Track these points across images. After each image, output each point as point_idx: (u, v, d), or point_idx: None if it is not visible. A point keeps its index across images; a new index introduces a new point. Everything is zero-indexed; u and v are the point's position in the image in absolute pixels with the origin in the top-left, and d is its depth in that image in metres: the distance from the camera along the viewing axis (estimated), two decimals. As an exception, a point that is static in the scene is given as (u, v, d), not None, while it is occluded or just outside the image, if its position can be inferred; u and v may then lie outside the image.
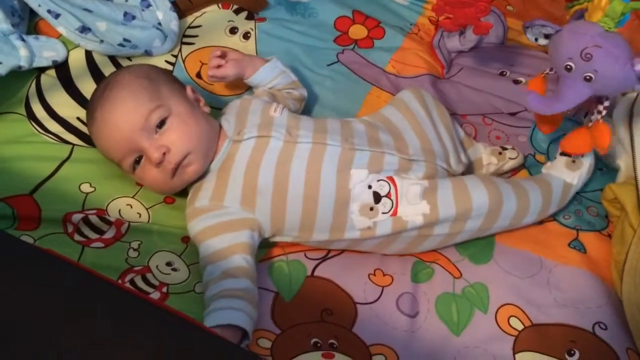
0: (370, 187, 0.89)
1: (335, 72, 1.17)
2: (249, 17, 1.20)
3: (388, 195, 0.90)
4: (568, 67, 0.87)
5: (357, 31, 1.23)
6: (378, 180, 0.90)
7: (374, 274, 0.94)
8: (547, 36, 0.93)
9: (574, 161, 0.99)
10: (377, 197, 0.89)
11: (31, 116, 1.02)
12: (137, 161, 0.91)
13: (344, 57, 1.19)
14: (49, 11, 1.08)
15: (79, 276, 0.70)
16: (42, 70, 1.06)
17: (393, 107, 1.03)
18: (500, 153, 1.05)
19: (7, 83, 1.01)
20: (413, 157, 0.94)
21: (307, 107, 1.10)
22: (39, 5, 1.08)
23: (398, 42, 1.22)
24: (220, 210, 0.89)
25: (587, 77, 0.86)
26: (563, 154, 1.00)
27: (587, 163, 0.99)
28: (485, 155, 1.05)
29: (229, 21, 1.19)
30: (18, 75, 1.03)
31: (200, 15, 1.20)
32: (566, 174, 0.98)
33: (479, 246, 0.96)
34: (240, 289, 0.83)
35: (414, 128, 0.98)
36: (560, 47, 0.87)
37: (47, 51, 1.07)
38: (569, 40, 0.86)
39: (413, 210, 0.89)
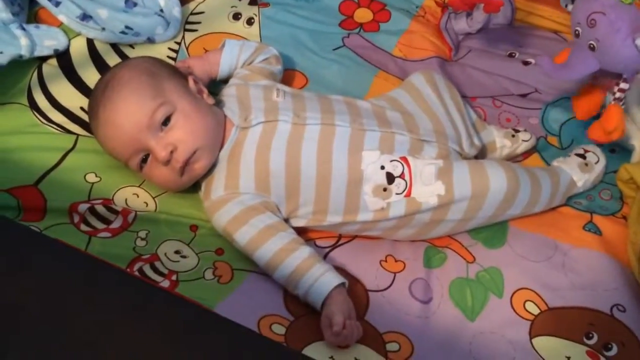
0: (383, 167, 0.88)
1: (342, 56, 1.15)
2: (252, 3, 1.19)
3: (402, 176, 0.88)
4: (576, 32, 0.86)
5: (363, 14, 1.21)
6: (391, 161, 0.89)
7: (386, 261, 0.93)
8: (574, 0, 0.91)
9: (586, 164, 0.98)
10: (391, 178, 0.88)
11: (34, 106, 1.00)
12: (144, 160, 0.90)
13: (350, 41, 1.17)
14: (49, -1, 1.06)
15: (87, 264, 0.69)
16: (44, 59, 1.04)
17: (403, 90, 1.01)
18: (513, 135, 1.03)
19: (8, 73, 1.00)
20: (424, 138, 0.92)
21: (314, 92, 1.08)
22: (39, -7, 1.06)
23: (404, 25, 1.20)
24: (238, 197, 0.88)
25: (591, 46, 0.85)
26: (578, 154, 0.99)
27: (597, 170, 0.98)
28: (498, 138, 1.04)
29: (231, 7, 1.18)
30: (19, 65, 1.01)
31: (203, 2, 1.18)
32: (575, 172, 0.97)
33: (492, 230, 0.94)
34: (307, 257, 0.84)
35: (425, 110, 0.97)
36: (574, 11, 0.87)
37: (48, 40, 1.05)
38: (582, 4, 0.85)
39: (427, 190, 0.88)
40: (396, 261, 0.93)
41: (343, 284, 0.84)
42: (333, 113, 0.92)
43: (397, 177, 0.88)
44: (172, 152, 0.87)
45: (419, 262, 0.92)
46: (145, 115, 0.87)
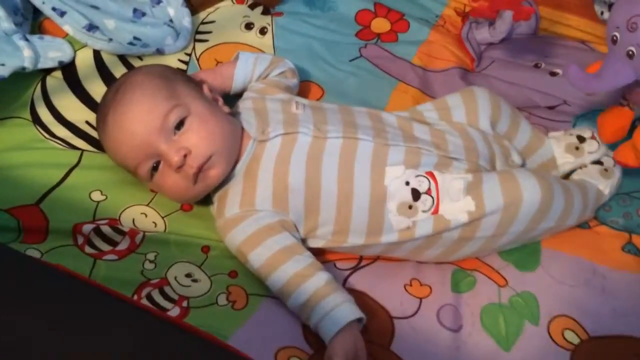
0: (408, 183, 0.83)
1: (359, 68, 1.11)
2: (265, 12, 1.15)
3: (428, 192, 0.83)
4: (614, 37, 0.79)
5: (380, 25, 1.18)
6: (416, 176, 0.83)
7: (411, 285, 0.87)
8: (611, 7, 0.85)
9: (606, 169, 0.93)
10: (416, 194, 0.82)
11: (37, 121, 0.96)
12: (155, 167, 0.84)
13: (367, 51, 1.13)
14: (53, 9, 1.02)
15: (91, 295, 0.63)
16: (48, 71, 1.00)
17: (460, 97, 0.95)
18: (577, 148, 0.95)
19: (11, 86, 0.95)
20: (453, 155, 0.86)
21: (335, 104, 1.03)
22: (43, 3, 1.02)
23: (424, 35, 1.16)
24: (254, 215, 0.83)
25: (630, 52, 0.78)
26: (595, 162, 0.94)
27: (617, 174, 0.93)
28: (559, 154, 0.96)
29: (244, 16, 1.14)
30: (22, 78, 0.97)
31: (214, 11, 1.15)
32: (600, 181, 0.92)
33: (524, 251, 0.88)
34: (324, 284, 0.79)
35: (454, 124, 0.91)
36: (612, 14, 0.81)
37: (52, 51, 1.00)
38: (622, 5, 0.79)
39: (456, 207, 0.82)
40: (422, 285, 0.87)
41: (360, 319, 0.78)
42: (355, 126, 0.87)
43: (423, 193, 0.83)
44: (185, 156, 0.82)
45: (447, 286, 0.87)
46: (158, 117, 0.82)
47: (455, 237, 0.84)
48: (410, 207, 0.83)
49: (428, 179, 0.83)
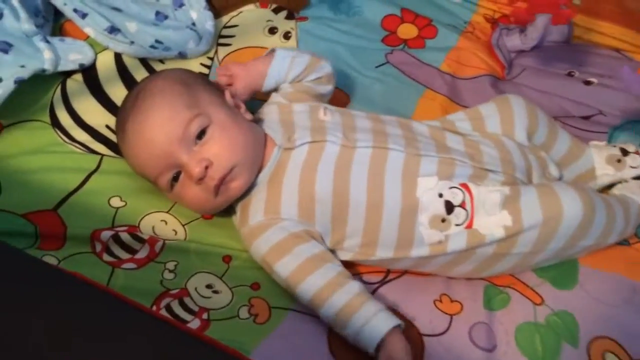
0: (441, 195, 0.79)
1: (385, 74, 1.08)
2: (289, 17, 1.13)
3: (462, 205, 0.79)
4: None
5: (407, 30, 1.15)
6: (450, 188, 0.79)
7: (440, 300, 0.83)
8: None
9: None
10: (450, 207, 0.79)
11: (56, 124, 0.93)
12: (175, 178, 0.81)
13: (394, 57, 1.10)
14: (75, 10, 1.00)
15: (109, 304, 0.60)
16: (68, 74, 0.98)
17: (495, 106, 0.91)
18: (619, 160, 0.91)
19: (30, 88, 0.93)
20: (488, 167, 0.83)
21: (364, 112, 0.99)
22: (65, 4, 1.00)
23: (452, 41, 1.13)
24: (280, 223, 0.80)
25: None
26: (636, 177, 0.90)
27: None
28: (599, 164, 0.92)
29: (267, 20, 1.11)
30: (42, 80, 0.94)
31: (237, 15, 1.12)
32: None
33: (561, 269, 0.84)
34: (358, 292, 0.76)
35: (489, 135, 0.87)
36: None
37: (73, 54, 0.98)
38: None
39: (492, 221, 0.78)
40: (452, 301, 0.83)
41: (399, 325, 0.74)
42: (386, 135, 0.83)
43: (457, 206, 0.79)
44: (206, 168, 0.79)
45: (478, 303, 0.83)
46: (179, 126, 0.79)
47: (490, 253, 0.80)
48: (443, 220, 0.79)
49: (462, 191, 0.79)
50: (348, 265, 0.84)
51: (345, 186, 0.80)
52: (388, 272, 0.86)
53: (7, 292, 0.56)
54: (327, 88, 0.95)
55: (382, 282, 0.84)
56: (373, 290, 0.83)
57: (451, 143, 0.85)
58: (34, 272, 0.62)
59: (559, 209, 0.78)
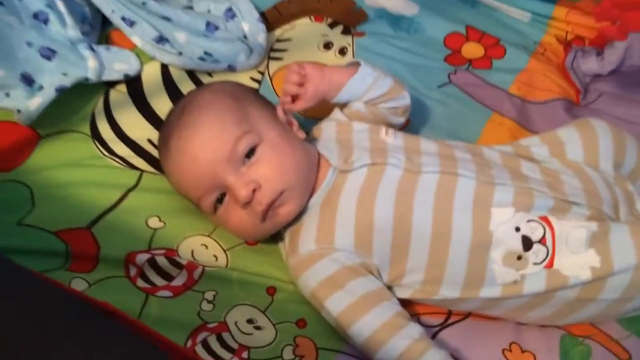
0: (518, 229, 0.70)
1: (448, 95, 1.00)
2: (346, 32, 1.06)
3: (542, 241, 0.70)
4: None
5: (472, 49, 1.07)
6: (528, 221, 0.70)
7: (510, 350, 0.74)
8: None
9: None
10: (528, 243, 0.70)
11: (96, 136, 0.88)
12: (220, 200, 0.74)
13: (458, 78, 1.02)
14: (123, 18, 0.96)
15: (139, 343, 0.53)
16: (112, 84, 0.93)
17: (576, 130, 0.82)
18: None
19: (72, 97, 0.88)
20: (572, 199, 0.73)
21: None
22: (113, 12, 0.96)
23: (522, 62, 1.05)
24: (333, 254, 0.72)
25: None
26: None
27: None
28: None
29: (322, 35, 1.05)
30: (84, 89, 0.90)
31: (291, 29, 1.06)
32: None
33: (651, 320, 0.73)
34: (419, 337, 0.69)
35: (569, 164, 0.78)
36: None
37: (118, 63, 0.93)
38: None
39: (576, 261, 0.69)
40: (523, 352, 0.74)
41: None
42: (454, 160, 0.75)
43: (537, 242, 0.70)
44: (254, 191, 0.72)
45: (554, 354, 0.73)
46: (226, 144, 0.72)
47: (572, 298, 0.70)
48: (519, 257, 0.70)
49: (543, 225, 0.70)
50: (405, 304, 0.75)
51: (408, 215, 0.71)
52: (449, 313, 0.77)
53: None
54: (400, 120, 0.86)
55: (443, 325, 0.75)
56: (433, 335, 0.75)
57: (527, 171, 0.76)
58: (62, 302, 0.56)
59: None
